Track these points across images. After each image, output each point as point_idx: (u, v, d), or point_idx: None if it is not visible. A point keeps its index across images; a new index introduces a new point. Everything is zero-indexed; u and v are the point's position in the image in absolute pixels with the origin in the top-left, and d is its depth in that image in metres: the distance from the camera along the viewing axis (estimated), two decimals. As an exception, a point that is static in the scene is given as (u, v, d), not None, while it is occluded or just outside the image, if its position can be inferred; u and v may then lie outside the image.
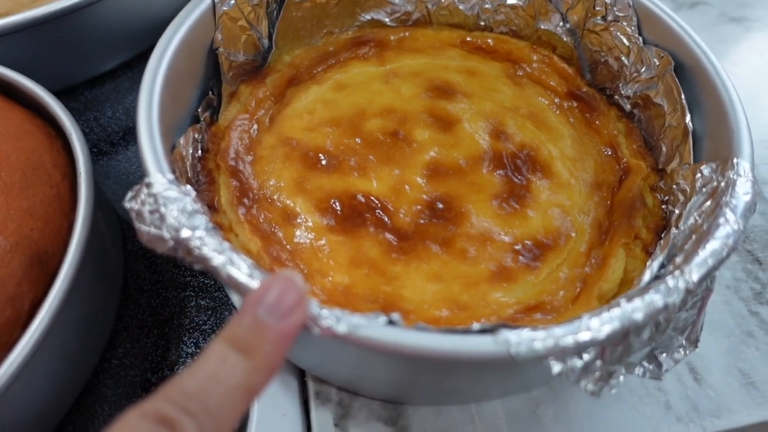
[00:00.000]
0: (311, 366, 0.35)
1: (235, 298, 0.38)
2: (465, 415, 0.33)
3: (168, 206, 0.27)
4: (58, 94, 0.47)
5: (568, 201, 0.38)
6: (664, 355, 0.28)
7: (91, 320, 0.35)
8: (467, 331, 0.24)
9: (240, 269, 0.25)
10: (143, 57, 0.53)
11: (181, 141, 0.34)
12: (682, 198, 0.35)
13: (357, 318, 0.24)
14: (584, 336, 0.24)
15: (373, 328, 0.24)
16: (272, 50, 0.44)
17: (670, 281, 0.25)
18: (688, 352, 0.29)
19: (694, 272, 0.26)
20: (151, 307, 0.38)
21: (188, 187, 0.29)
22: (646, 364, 0.28)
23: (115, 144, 0.47)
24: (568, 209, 0.38)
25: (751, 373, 0.35)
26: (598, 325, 0.24)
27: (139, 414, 0.20)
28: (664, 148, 0.38)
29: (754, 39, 0.55)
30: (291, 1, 0.43)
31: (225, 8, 0.39)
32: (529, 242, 0.36)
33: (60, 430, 0.34)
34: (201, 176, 0.37)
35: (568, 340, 0.24)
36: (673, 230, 0.34)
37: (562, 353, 0.24)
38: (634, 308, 0.25)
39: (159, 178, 0.28)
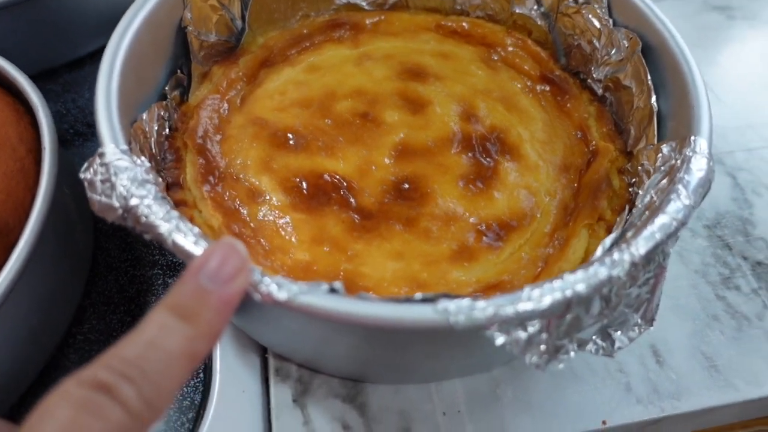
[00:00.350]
0: (272, 343, 0.35)
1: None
2: (423, 393, 0.33)
3: (119, 175, 0.27)
4: (38, 76, 0.47)
5: (535, 182, 0.38)
6: (619, 333, 0.28)
7: (55, 295, 0.35)
8: (409, 300, 0.24)
9: (186, 237, 0.26)
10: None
11: (144, 116, 0.35)
12: (645, 178, 0.35)
13: (299, 285, 0.24)
14: (525, 306, 0.24)
15: (314, 295, 0.24)
16: (245, 32, 0.44)
17: (615, 254, 0.25)
18: (642, 329, 0.28)
19: (641, 245, 0.25)
20: (119, 285, 0.39)
21: (142, 158, 0.29)
22: (598, 341, 0.28)
23: (91, 125, 0.47)
24: (535, 190, 0.38)
25: (714, 356, 0.35)
26: (539, 295, 0.24)
27: (76, 382, 0.20)
28: (632, 130, 0.38)
29: (736, 27, 0.55)
30: (263, -18, 0.43)
31: (194, -14, 0.39)
32: (493, 223, 0.36)
33: (22, 403, 0.34)
34: (168, 154, 0.37)
35: (509, 310, 0.24)
36: (634, 210, 0.34)
37: (503, 323, 0.24)
38: (576, 279, 0.24)
39: (111, 148, 0.28)
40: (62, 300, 0.36)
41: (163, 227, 0.26)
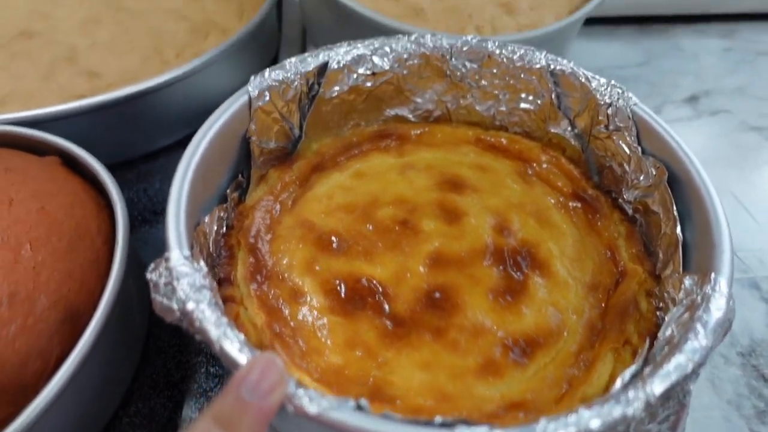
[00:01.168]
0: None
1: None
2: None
3: (180, 280, 0.31)
4: (117, 166, 0.53)
5: (563, 300, 0.39)
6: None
7: (109, 378, 0.38)
8: (429, 424, 0.26)
9: (232, 344, 0.28)
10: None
11: (206, 219, 0.39)
12: (672, 307, 0.36)
13: (328, 400, 0.26)
14: (538, 439, 0.25)
15: (342, 411, 0.26)
16: (302, 139, 0.48)
17: (630, 392, 0.26)
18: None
19: (657, 385, 0.26)
20: (166, 369, 0.42)
21: (201, 263, 0.33)
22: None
23: (157, 213, 0.52)
24: (563, 308, 0.39)
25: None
26: (554, 430, 0.25)
27: None
28: (661, 255, 0.40)
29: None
30: (322, 98, 0.47)
31: (260, 103, 0.44)
32: (520, 338, 0.37)
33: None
34: (223, 251, 0.41)
35: (520, 443, 0.25)
36: (661, 338, 0.34)
37: (517, 455, 0.25)
38: (591, 416, 0.26)
39: (176, 253, 0.32)
40: (114, 384, 0.39)
41: (213, 333, 0.29)
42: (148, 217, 0.52)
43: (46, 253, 0.37)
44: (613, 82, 0.43)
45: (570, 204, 0.45)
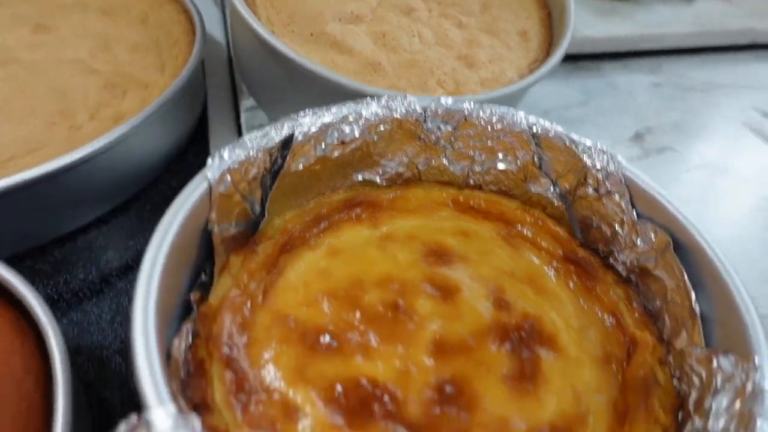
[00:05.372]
0: None
1: None
2: None
3: (173, 451, 0.24)
4: (24, 256, 0.43)
5: (579, 382, 0.37)
6: None
7: None
8: None
9: None
10: (117, 211, 0.51)
11: (175, 342, 0.32)
12: (697, 382, 0.34)
13: None
14: None
15: None
16: (263, 218, 0.42)
17: None
18: None
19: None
20: None
21: (193, 414, 0.26)
22: None
23: (87, 312, 0.43)
24: (582, 390, 0.36)
25: None
26: None
27: None
28: (668, 321, 0.38)
29: (718, 186, 0.59)
30: (286, 172, 0.42)
31: (221, 189, 0.37)
32: (546, 429, 0.34)
33: None
34: (190, 367, 0.34)
35: None
36: (696, 420, 0.33)
37: None
38: None
39: (160, 415, 0.25)
40: None
41: None
42: (76, 318, 0.43)
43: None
44: (599, 145, 0.42)
45: (563, 268, 0.43)
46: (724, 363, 0.32)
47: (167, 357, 0.30)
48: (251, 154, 0.38)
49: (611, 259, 0.43)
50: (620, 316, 0.40)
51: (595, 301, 0.42)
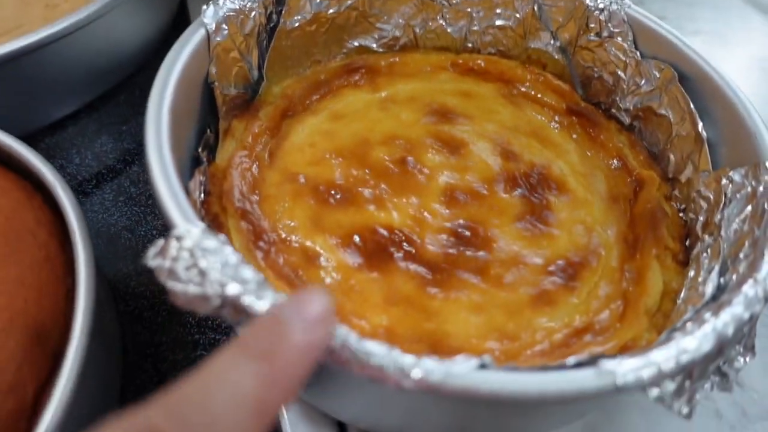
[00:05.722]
0: (354, 418, 0.32)
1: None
2: (525, 452, 0.32)
3: (208, 259, 0.24)
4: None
5: (589, 217, 0.38)
6: (726, 365, 0.28)
7: (96, 397, 0.30)
8: (563, 367, 0.23)
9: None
10: (107, 98, 0.49)
11: (191, 185, 0.31)
12: (705, 205, 0.35)
13: (446, 365, 0.22)
14: (685, 358, 0.23)
15: (468, 375, 0.22)
16: (262, 82, 0.41)
17: (749, 291, 0.25)
18: (747, 359, 0.28)
19: (768, 278, 0.25)
20: (160, 374, 0.34)
21: (223, 236, 0.26)
22: (713, 377, 0.27)
23: (88, 194, 0.42)
24: (591, 225, 0.37)
25: (785, 371, 0.36)
26: (695, 345, 0.23)
27: (125, 427, 0.17)
28: (672, 158, 0.39)
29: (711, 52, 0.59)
30: (282, 30, 0.40)
31: (219, 39, 0.36)
32: (561, 262, 0.35)
33: None
34: (206, 222, 0.34)
35: (671, 364, 0.22)
36: (706, 237, 0.34)
37: (662, 379, 0.23)
38: (724, 323, 0.24)
39: (191, 228, 0.25)
40: (103, 403, 0.31)
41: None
42: (77, 199, 0.42)
43: (-23, 258, 0.27)
44: (601, -16, 0.41)
45: (566, 120, 0.43)
46: (734, 176, 0.32)
47: (186, 194, 0.29)
48: (246, 3, 0.37)
49: (613, 110, 0.43)
50: (625, 159, 0.41)
51: (599, 149, 0.42)
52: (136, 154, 0.45)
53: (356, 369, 0.21)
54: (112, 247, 0.40)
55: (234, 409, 0.17)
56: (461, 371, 0.21)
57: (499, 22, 0.46)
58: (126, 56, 0.49)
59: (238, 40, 0.38)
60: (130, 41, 0.49)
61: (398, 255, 0.34)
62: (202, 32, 0.34)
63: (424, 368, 0.21)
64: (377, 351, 0.22)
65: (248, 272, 0.24)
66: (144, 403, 0.16)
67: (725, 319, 0.24)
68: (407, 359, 0.22)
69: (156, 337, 0.35)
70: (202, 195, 0.34)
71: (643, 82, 0.40)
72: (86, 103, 0.48)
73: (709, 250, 0.32)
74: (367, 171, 0.38)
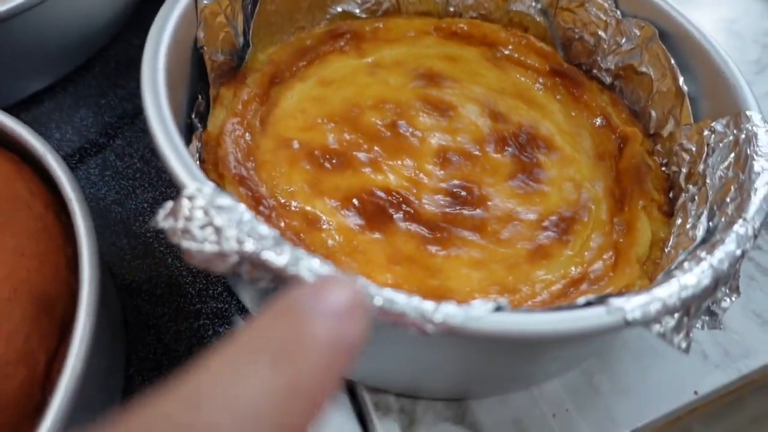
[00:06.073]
0: (364, 375, 0.33)
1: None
2: (529, 399, 0.33)
3: (223, 216, 0.24)
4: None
5: (577, 174, 0.39)
6: (714, 305, 0.29)
7: (105, 372, 0.30)
8: (573, 306, 0.24)
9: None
10: (83, 70, 0.47)
11: (190, 151, 0.31)
12: (687, 157, 0.37)
13: (465, 309, 0.23)
14: (686, 293, 0.24)
15: (487, 317, 0.22)
16: (248, 48, 0.40)
17: (740, 230, 0.26)
18: (733, 299, 0.30)
19: (757, 219, 0.27)
20: (163, 344, 0.34)
21: (233, 194, 0.26)
22: (703, 317, 0.29)
23: (73, 168, 0.41)
24: (580, 182, 0.39)
25: (763, 313, 0.38)
26: (695, 281, 0.24)
27: None
28: (654, 114, 0.40)
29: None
30: (267, -7, 0.40)
31: (206, 1, 0.35)
32: (554, 217, 0.36)
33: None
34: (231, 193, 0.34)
35: (674, 300, 0.24)
36: (690, 187, 0.35)
37: (666, 314, 0.24)
38: (719, 260, 0.25)
39: (202, 187, 0.24)
40: (110, 375, 0.31)
41: (294, 269, 0.23)
42: (61, 175, 0.41)
43: (-26, 230, 0.27)
44: (582, -55, 0.41)
45: (549, 82, 0.44)
46: (716, 126, 0.34)
47: (188, 157, 0.29)
48: (232, -35, 0.36)
49: (594, 70, 0.44)
50: (609, 117, 0.42)
51: (583, 108, 0.43)
52: (118, 127, 0.44)
53: (380, 315, 0.22)
54: (102, 222, 0.39)
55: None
56: (480, 313, 0.22)
57: (481, -14, 0.46)
58: (98, 27, 0.47)
59: (224, 3, 0.37)
60: (102, 12, 0.47)
61: (397, 216, 0.35)
62: (188, -5, 0.34)
63: (444, 312, 0.22)
64: (398, 299, 0.22)
65: (264, 228, 0.24)
66: (111, 420, 0.12)
67: (720, 256, 0.25)
68: (428, 305, 0.22)
69: (157, 309, 0.35)
70: (197, 162, 0.34)
71: (623, 40, 0.41)
72: (60, 76, 0.46)
73: (696, 198, 0.33)
74: (360, 135, 0.38)
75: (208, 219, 0.24)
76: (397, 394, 0.32)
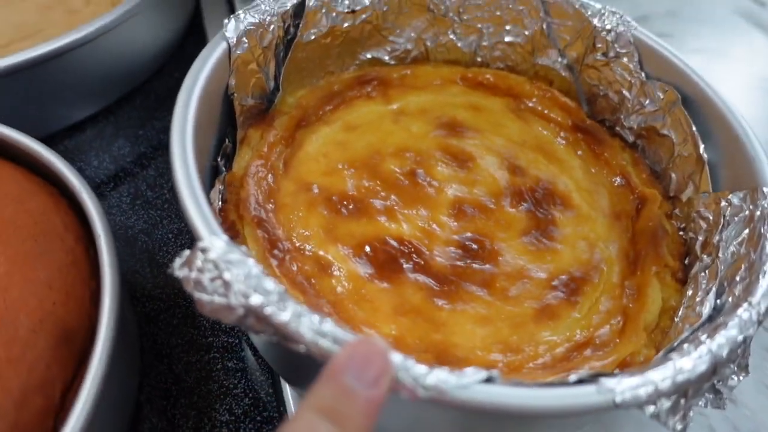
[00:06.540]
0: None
1: (268, 355, 0.36)
2: (525, 459, 0.33)
3: (232, 271, 0.25)
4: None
5: (592, 233, 0.39)
6: (720, 383, 0.29)
7: (118, 398, 0.32)
8: (564, 383, 0.24)
9: (326, 333, 0.24)
10: (124, 101, 0.50)
11: (212, 195, 0.32)
12: (704, 225, 0.36)
13: (453, 376, 0.23)
14: (680, 378, 0.24)
15: (475, 388, 0.23)
16: (278, 92, 0.42)
17: (743, 315, 0.26)
18: (741, 378, 0.29)
19: (762, 304, 0.27)
20: (174, 375, 0.35)
21: (245, 247, 0.27)
22: (707, 395, 0.29)
23: (106, 196, 0.44)
24: (594, 241, 0.39)
25: (777, 387, 0.37)
26: (691, 365, 0.24)
27: None
28: (674, 177, 0.40)
29: (713, 70, 0.60)
30: (299, 43, 0.41)
31: (239, 52, 0.37)
32: (564, 277, 0.37)
33: None
34: (222, 229, 0.35)
35: (667, 384, 0.24)
36: (704, 257, 0.35)
37: (658, 397, 0.24)
38: (719, 345, 0.25)
39: (215, 241, 0.26)
40: (122, 400, 0.33)
41: (294, 325, 0.24)
42: (96, 202, 0.43)
43: (8, 261, 0.29)
44: (608, 7, 0.42)
45: (571, 137, 0.44)
46: (732, 199, 0.34)
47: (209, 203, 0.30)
48: (265, 18, 0.38)
49: (617, 128, 0.44)
50: (628, 176, 0.42)
51: (603, 166, 0.43)
52: (151, 158, 0.46)
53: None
54: (129, 249, 0.41)
55: None
56: (469, 382, 0.23)
57: (508, 39, 0.47)
58: (143, 61, 0.50)
59: (257, 52, 0.39)
60: (148, 47, 0.50)
61: (408, 266, 0.36)
62: (223, 45, 0.36)
63: (436, 377, 0.23)
64: (394, 360, 0.23)
65: (270, 284, 0.25)
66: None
67: (720, 342, 0.25)
68: (420, 368, 0.23)
69: (172, 339, 0.37)
70: (220, 203, 0.36)
71: (647, 102, 0.42)
72: (104, 106, 0.49)
73: (707, 271, 0.33)
74: (378, 182, 0.39)
75: (219, 272, 0.25)
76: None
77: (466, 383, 0.23)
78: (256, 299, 0.24)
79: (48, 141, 0.46)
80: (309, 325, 0.24)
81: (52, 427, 0.27)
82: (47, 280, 0.29)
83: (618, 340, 0.34)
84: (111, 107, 0.49)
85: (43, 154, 0.34)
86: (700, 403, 0.28)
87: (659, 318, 0.35)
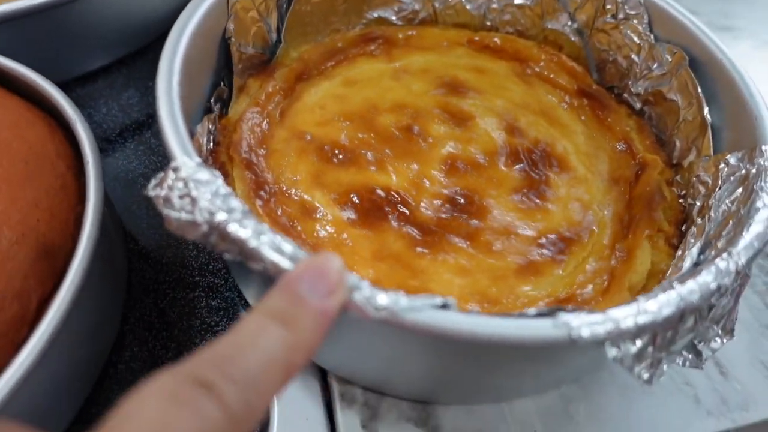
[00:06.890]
0: (335, 365, 0.33)
1: (251, 298, 0.36)
2: (497, 413, 0.32)
3: (200, 189, 0.25)
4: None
5: (587, 195, 0.38)
6: (702, 344, 0.28)
7: (98, 321, 0.32)
8: (523, 315, 0.24)
9: (284, 251, 0.24)
10: (138, 55, 0.51)
11: (198, 129, 0.33)
12: (703, 190, 0.35)
13: (409, 300, 0.23)
14: (643, 318, 0.23)
15: (425, 312, 0.23)
16: (280, 44, 0.43)
17: (720, 264, 0.25)
18: (724, 341, 0.28)
19: (742, 254, 0.26)
20: (159, 309, 0.36)
21: (216, 170, 0.27)
22: (685, 353, 0.28)
23: (111, 141, 0.45)
24: (588, 203, 0.38)
25: (773, 364, 0.35)
26: (657, 307, 0.23)
27: (171, 375, 0.18)
28: (678, 143, 0.39)
29: (741, 46, 0.57)
30: (302, -7, 0.42)
31: (238, -3, 0.37)
32: (552, 236, 0.36)
33: (62, 442, 0.31)
34: (213, 169, 0.36)
35: (629, 323, 0.23)
36: (698, 220, 0.34)
37: (620, 337, 0.23)
38: (690, 290, 0.24)
39: (187, 161, 0.26)
40: (103, 326, 0.34)
41: (255, 242, 0.24)
42: (101, 146, 0.44)
43: (-1, 179, 0.30)
44: (620, -34, 0.41)
45: (576, 102, 0.43)
46: (731, 160, 0.32)
47: (191, 135, 0.31)
48: (267, -36, 0.38)
49: (625, 94, 0.43)
50: (631, 142, 0.41)
51: (606, 131, 0.42)
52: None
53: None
54: (128, 191, 0.42)
55: (268, 370, 0.19)
56: (421, 306, 0.23)
57: (518, 1, 0.46)
58: (159, 15, 0.51)
59: (258, 0, 0.39)
60: (163, 3, 0.51)
61: (392, 215, 0.35)
62: (220, -12, 0.36)
63: (388, 299, 0.23)
64: (349, 279, 0.23)
65: (235, 202, 0.25)
66: (184, 359, 0.18)
67: (691, 287, 0.24)
68: (373, 290, 0.23)
69: (160, 275, 0.37)
70: (211, 144, 0.36)
71: (655, 65, 0.40)
72: (118, 58, 0.50)
73: (694, 230, 0.32)
74: (372, 135, 0.39)
75: (187, 190, 0.25)
76: (364, 388, 0.33)
77: (419, 306, 0.23)
78: (219, 216, 0.25)
79: (61, 88, 0.48)
80: (269, 243, 0.24)
81: (26, 335, 0.27)
82: (34, 200, 0.30)
83: (600, 299, 0.33)
84: (125, 59, 0.50)
85: (40, 83, 0.35)
86: (678, 360, 0.27)
87: (647, 281, 0.34)
